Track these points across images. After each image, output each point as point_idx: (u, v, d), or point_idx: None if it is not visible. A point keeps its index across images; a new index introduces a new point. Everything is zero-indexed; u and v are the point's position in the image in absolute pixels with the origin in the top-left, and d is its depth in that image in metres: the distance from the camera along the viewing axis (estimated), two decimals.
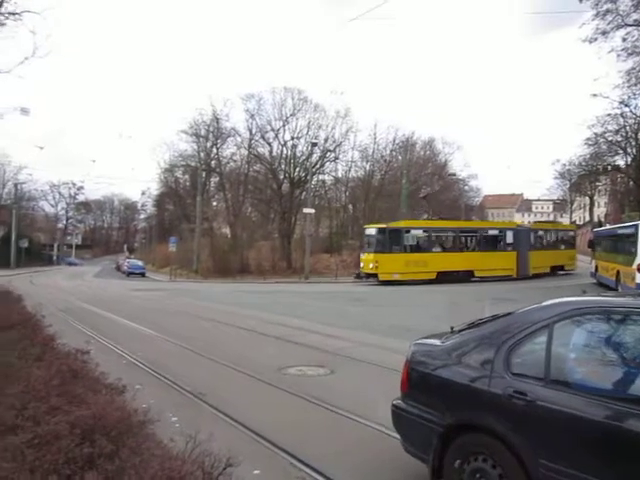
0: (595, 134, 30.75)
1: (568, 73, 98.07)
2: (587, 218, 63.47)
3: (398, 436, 3.75)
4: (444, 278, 26.09)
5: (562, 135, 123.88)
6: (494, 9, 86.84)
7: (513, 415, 2.90)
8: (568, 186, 62.93)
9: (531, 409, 2.82)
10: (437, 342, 3.65)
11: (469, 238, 29.42)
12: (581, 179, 49.66)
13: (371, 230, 27.80)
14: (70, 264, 69.43)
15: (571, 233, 35.28)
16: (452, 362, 3.37)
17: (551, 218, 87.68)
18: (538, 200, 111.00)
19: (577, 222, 65.21)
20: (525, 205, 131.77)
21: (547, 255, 30.39)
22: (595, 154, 33.52)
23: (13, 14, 11.86)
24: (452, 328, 3.79)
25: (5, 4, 11.81)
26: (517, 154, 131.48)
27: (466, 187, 65.02)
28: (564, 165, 57.14)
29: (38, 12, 12.27)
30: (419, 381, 3.56)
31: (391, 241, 26.57)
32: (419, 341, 3.81)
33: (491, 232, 30.16)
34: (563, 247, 32.57)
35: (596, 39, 21.58)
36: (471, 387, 3.16)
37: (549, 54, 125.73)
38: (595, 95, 25.93)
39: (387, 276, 26.09)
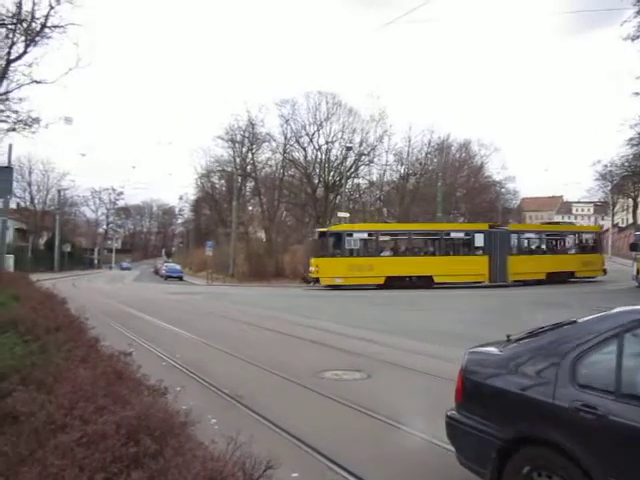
0: (638, 134, 29.79)
1: (608, 72, 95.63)
2: (630, 220, 61.42)
3: (438, 443, 3.72)
4: (395, 284, 25.10)
5: (602, 136, 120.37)
6: (530, 8, 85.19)
7: (581, 429, 2.75)
8: (610, 188, 61.06)
9: (602, 424, 2.67)
10: (494, 350, 3.52)
11: (428, 241, 28.24)
12: (624, 180, 48.25)
13: (315, 234, 28.08)
14: (123, 268, 71.65)
15: (589, 235, 31.22)
16: (511, 372, 3.22)
17: (592, 220, 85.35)
18: (578, 202, 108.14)
19: (620, 224, 63.14)
20: (565, 207, 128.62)
21: (539, 260, 27.81)
22: (639, 154, 32.49)
23: (58, 27, 12.29)
24: (509, 337, 3.63)
25: (50, 17, 12.25)
26: (555, 156, 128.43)
27: (503, 190, 63.87)
28: (605, 166, 55.51)
29: (81, 24, 12.71)
30: (475, 391, 3.41)
31: (332, 245, 26.34)
32: (474, 349, 3.68)
33: (455, 235, 28.30)
34: (573, 251, 29.74)
35: (638, 37, 21.09)
36: (532, 399, 3.01)
37: (588, 53, 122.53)
38: (637, 94, 25.13)
39: (329, 280, 25.85)
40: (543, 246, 29.54)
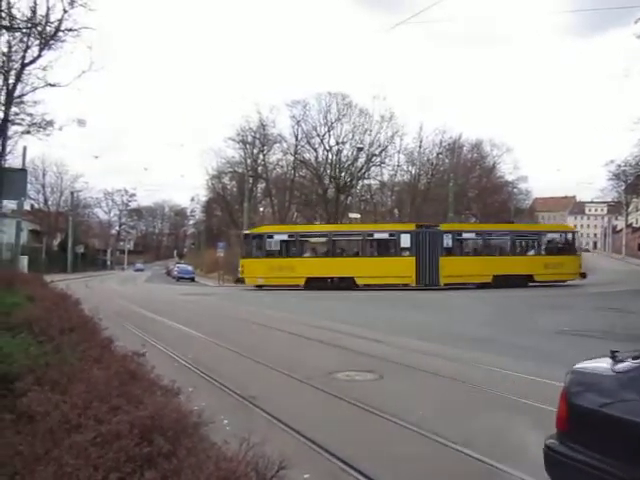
0: None
1: (621, 71, 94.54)
2: None
3: (452, 445, 3.69)
4: (316, 284, 25.53)
5: (615, 135, 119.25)
6: (541, 7, 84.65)
7: None
8: (624, 187, 60.39)
9: None
10: (605, 369, 2.89)
11: (351, 242, 28.10)
12: (638, 180, 47.65)
13: (242, 236, 28.90)
14: (136, 270, 71.53)
15: (556, 235, 29.13)
16: (636, 398, 2.56)
17: (605, 221, 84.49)
18: (591, 202, 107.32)
19: (634, 224, 62.44)
20: (578, 207, 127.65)
21: (482, 262, 26.33)
22: None
23: (71, 30, 12.41)
24: (614, 353, 3.02)
25: (64, 21, 12.37)
26: (568, 156, 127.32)
27: (515, 190, 63.47)
28: (619, 166, 54.87)
29: (94, 28, 12.81)
30: (585, 419, 2.81)
31: (254, 246, 27.28)
32: (579, 367, 3.12)
33: (379, 235, 28.07)
34: (532, 252, 27.67)
35: None
36: None
37: (600, 52, 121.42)
38: None
39: (252, 280, 26.89)
40: (489, 247, 28.09)
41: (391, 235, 27.47)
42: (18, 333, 5.09)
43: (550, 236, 28.91)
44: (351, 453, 4.10)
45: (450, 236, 26.94)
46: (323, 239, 27.92)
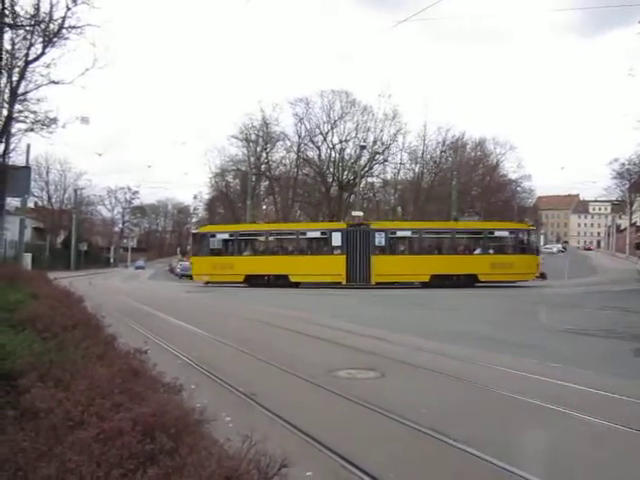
0: None
1: (625, 70, 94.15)
2: None
3: (454, 443, 3.67)
4: (255, 282, 26.72)
5: (619, 134, 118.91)
6: (544, 6, 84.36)
7: None
8: (628, 186, 60.24)
9: None
10: None
11: (285, 241, 28.78)
12: None
13: (192, 235, 30.36)
14: (137, 267, 70.90)
15: (507, 234, 27.50)
16: None
17: (609, 219, 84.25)
18: (595, 201, 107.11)
19: (637, 223, 62.28)
20: (581, 206, 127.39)
21: (418, 261, 26.01)
22: None
23: (75, 28, 12.41)
24: None
25: (67, 19, 12.38)
26: (572, 154, 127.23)
27: (519, 188, 63.35)
28: (623, 164, 54.97)
29: (98, 25, 12.81)
30: None
31: (201, 245, 28.87)
32: None
33: (311, 234, 28.45)
34: (478, 251, 26.76)
35: None
36: None
37: (605, 51, 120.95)
38: None
39: (199, 277, 28.71)
40: (426, 245, 27.55)
41: (323, 234, 27.89)
42: (22, 330, 5.12)
43: (498, 234, 27.48)
44: (353, 451, 4.10)
45: (383, 234, 26.82)
46: (261, 238, 28.93)
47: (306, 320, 12.97)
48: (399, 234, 27.70)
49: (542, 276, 26.81)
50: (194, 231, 31.02)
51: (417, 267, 25.82)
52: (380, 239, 26.56)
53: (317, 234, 28.27)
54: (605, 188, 64.06)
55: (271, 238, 28.76)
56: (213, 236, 29.13)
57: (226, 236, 29.23)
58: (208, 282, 28.12)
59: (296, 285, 26.91)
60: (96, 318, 7.36)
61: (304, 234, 28.34)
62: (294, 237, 28.26)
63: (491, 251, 26.69)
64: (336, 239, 26.84)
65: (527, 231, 27.87)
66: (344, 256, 26.31)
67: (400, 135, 45.38)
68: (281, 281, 26.62)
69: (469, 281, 25.67)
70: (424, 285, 25.77)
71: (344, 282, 26.33)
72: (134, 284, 34.64)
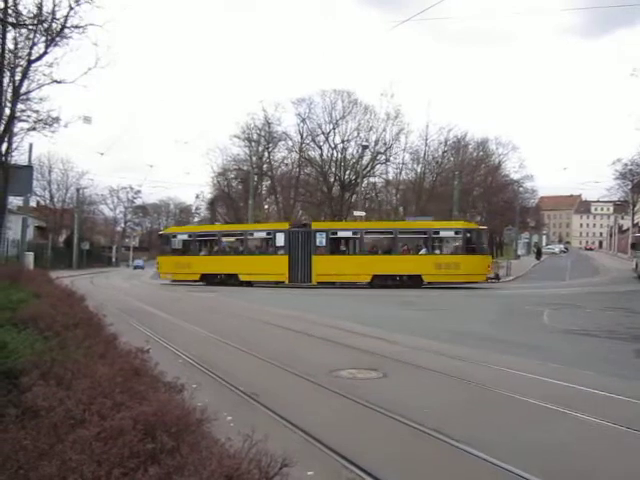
0: None
1: (628, 71, 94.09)
2: None
3: (455, 444, 3.68)
4: (210, 280, 28.12)
5: (622, 134, 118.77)
6: (548, 6, 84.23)
7: None
8: (630, 187, 60.11)
9: None
10: None
11: (236, 241, 29.71)
12: None
13: (158, 236, 32.26)
14: (136, 267, 70.55)
15: (452, 234, 26.61)
16: None
17: (611, 220, 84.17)
18: (597, 202, 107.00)
19: None
20: (583, 206, 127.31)
21: (360, 260, 26.09)
22: None
23: (77, 27, 12.42)
24: None
25: (70, 18, 12.38)
26: (574, 154, 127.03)
27: (521, 189, 63.29)
28: (625, 165, 54.83)
29: (100, 25, 12.81)
30: None
31: (165, 245, 31.02)
32: None
33: (258, 234, 29.41)
34: (423, 251, 26.22)
35: None
36: None
37: (608, 52, 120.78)
38: None
39: (164, 276, 30.36)
40: (368, 245, 27.45)
41: (268, 234, 28.67)
42: (24, 329, 5.13)
43: (444, 234, 26.79)
44: (355, 451, 4.10)
45: (323, 235, 27.05)
46: (214, 238, 30.12)
47: (305, 320, 12.97)
48: (340, 234, 27.86)
49: (495, 277, 26.06)
50: (160, 232, 33.17)
51: (358, 267, 25.92)
52: (321, 239, 26.94)
53: (263, 235, 29.15)
54: (607, 188, 63.99)
55: (223, 239, 29.92)
56: (175, 237, 31.16)
57: (185, 237, 30.95)
58: (174, 280, 29.67)
59: (249, 284, 27.71)
60: (98, 317, 7.38)
61: (252, 235, 29.41)
62: (243, 238, 29.29)
63: (437, 251, 26.38)
64: (279, 240, 27.56)
65: (475, 231, 26.93)
66: (287, 256, 27.01)
67: (402, 135, 45.42)
68: (232, 280, 27.69)
69: (413, 282, 25.47)
70: (371, 285, 25.81)
71: (287, 282, 26.97)
72: (136, 283, 34.65)
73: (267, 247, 28.46)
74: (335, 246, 27.42)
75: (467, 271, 25.10)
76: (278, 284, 27.24)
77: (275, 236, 27.87)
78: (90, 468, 2.34)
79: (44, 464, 2.39)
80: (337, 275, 26.45)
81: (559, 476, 3.75)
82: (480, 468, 3.81)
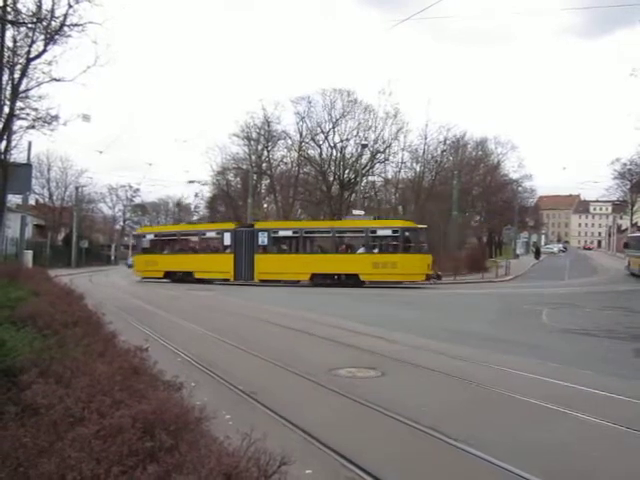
0: None
1: (627, 70, 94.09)
2: None
3: (453, 443, 3.67)
4: (173, 277, 29.87)
5: (621, 134, 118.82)
6: (547, 5, 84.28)
7: None
8: (629, 186, 60.17)
9: None
10: None
11: (191, 241, 31.48)
12: None
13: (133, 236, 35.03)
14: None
15: (390, 232, 26.34)
16: None
17: (610, 219, 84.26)
18: (596, 201, 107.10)
19: (639, 224, 62.21)
20: (582, 206, 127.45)
21: (298, 259, 26.59)
22: None
23: (77, 25, 12.39)
24: None
25: (69, 16, 12.36)
26: (573, 154, 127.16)
27: (520, 188, 63.31)
28: (624, 165, 54.93)
29: (100, 23, 12.77)
30: None
31: (137, 244, 34.61)
32: None
33: (209, 234, 30.63)
34: (362, 250, 26.31)
35: None
36: None
37: (607, 52, 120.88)
38: None
39: (139, 274, 32.27)
40: (307, 245, 28.00)
41: (218, 234, 29.72)
42: (22, 327, 5.13)
43: (381, 233, 26.59)
44: (353, 449, 4.11)
45: (265, 234, 27.81)
46: (174, 238, 31.93)
47: (304, 318, 12.97)
48: (281, 234, 28.40)
49: (437, 277, 26.02)
50: (134, 233, 36.74)
51: (298, 266, 26.31)
52: (263, 239, 27.67)
53: (214, 234, 30.16)
54: (606, 188, 64.05)
55: (182, 238, 31.66)
56: (144, 237, 33.85)
57: (152, 237, 33.33)
58: (144, 277, 31.36)
59: (207, 282, 28.46)
60: (96, 315, 7.38)
61: (204, 235, 30.82)
62: (197, 238, 30.92)
63: (375, 250, 26.27)
64: (227, 239, 28.59)
65: (413, 230, 26.48)
66: (232, 255, 28.06)
67: (401, 134, 45.30)
68: (190, 277, 29.01)
69: (352, 281, 25.57)
70: (314, 284, 26.14)
71: (232, 279, 28.00)
72: (134, 282, 34.63)
73: (217, 246, 29.49)
74: (277, 245, 28.16)
75: (405, 270, 25.05)
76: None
77: (223, 236, 28.92)
78: (89, 466, 2.34)
79: (43, 462, 2.39)
80: (278, 273, 26.92)
81: (559, 476, 3.75)
82: (479, 467, 3.82)
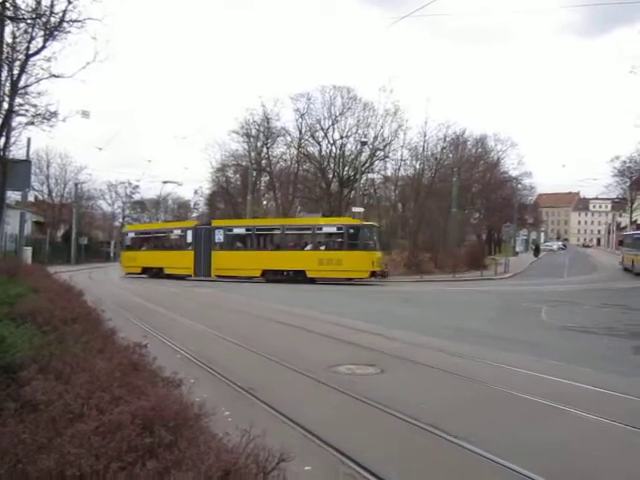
0: None
1: (627, 68, 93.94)
2: None
3: (453, 440, 3.67)
4: (149, 273, 31.39)
5: (620, 132, 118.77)
6: (546, 5, 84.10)
7: None
8: (628, 184, 60.14)
9: None
10: None
11: (162, 238, 32.97)
12: None
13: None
14: None
15: (338, 230, 26.79)
16: None
17: (609, 217, 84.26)
18: (596, 199, 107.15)
19: (638, 221, 62.22)
20: (582, 204, 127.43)
21: (251, 256, 27.60)
22: None
23: (76, 21, 12.32)
24: None
25: (69, 12, 12.29)
26: (573, 152, 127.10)
27: (519, 186, 63.27)
28: (624, 162, 54.88)
29: (99, 19, 12.69)
30: None
31: (123, 241, 36.75)
32: None
33: (176, 232, 32.40)
34: (309, 248, 26.93)
35: None
36: None
37: (607, 50, 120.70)
38: None
39: (123, 269, 33.84)
40: (260, 242, 28.76)
41: (182, 232, 31.40)
42: (22, 323, 5.12)
43: (327, 230, 27.27)
44: (352, 446, 4.11)
45: (221, 231, 29.19)
46: (149, 235, 34.04)
47: (303, 315, 12.98)
48: (235, 231, 29.68)
49: (382, 274, 26.13)
50: (122, 231, 38.23)
51: (250, 262, 27.30)
52: (219, 236, 28.97)
53: (179, 232, 31.76)
54: (606, 186, 63.97)
55: (155, 236, 33.46)
56: (127, 234, 36.51)
57: (133, 234, 35.85)
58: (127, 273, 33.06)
59: (180, 278, 29.49)
60: (96, 312, 7.37)
61: (172, 232, 32.63)
62: (165, 235, 32.75)
63: (322, 247, 26.74)
64: (189, 236, 30.24)
65: (358, 227, 26.65)
66: (192, 252, 29.56)
67: (401, 131, 45.21)
68: (161, 273, 30.57)
69: (300, 277, 26.19)
70: (267, 280, 26.91)
71: (193, 275, 29.37)
72: (133, 279, 34.63)
73: (181, 244, 30.91)
74: (231, 243, 29.14)
75: (349, 267, 25.49)
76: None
77: (186, 234, 30.59)
78: (88, 462, 2.34)
79: (42, 458, 2.39)
80: (233, 269, 27.81)
81: (559, 474, 3.76)
82: (479, 465, 3.83)
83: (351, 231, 26.30)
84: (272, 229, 29.04)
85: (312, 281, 26.02)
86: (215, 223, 31.19)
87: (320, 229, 27.08)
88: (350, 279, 26.01)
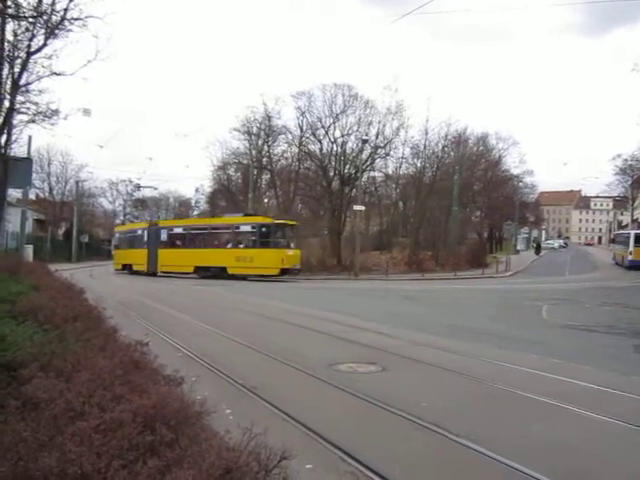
0: None
1: (629, 66, 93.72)
2: None
3: (454, 438, 3.67)
4: (129, 269, 34.28)
5: (622, 130, 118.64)
6: (545, 4, 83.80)
7: None
8: (630, 182, 60.02)
9: None
10: None
11: (130, 238, 36.31)
12: None
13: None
14: None
15: (251, 228, 28.14)
16: None
17: (611, 215, 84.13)
18: (597, 197, 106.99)
19: (639, 220, 62.09)
20: (583, 202, 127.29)
21: (186, 254, 29.88)
22: None
23: (77, 19, 12.31)
24: None
25: (70, 10, 12.27)
26: (574, 150, 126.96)
27: (521, 184, 63.17)
28: (625, 160, 54.78)
29: (100, 17, 12.67)
30: None
31: (114, 240, 40.35)
32: None
33: (138, 232, 35.29)
34: (229, 246, 28.54)
35: None
36: None
37: (608, 49, 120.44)
38: None
39: (115, 266, 37.08)
40: (194, 240, 30.92)
41: (141, 231, 34.67)
42: (23, 321, 5.12)
43: (243, 228, 28.69)
44: (354, 444, 4.11)
45: (165, 231, 32.33)
46: (124, 235, 38.32)
47: (304, 314, 12.97)
48: (175, 231, 32.36)
49: (295, 272, 26.72)
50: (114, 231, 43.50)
51: (186, 259, 29.58)
52: (164, 235, 31.89)
53: (140, 232, 34.89)
54: (607, 184, 63.80)
55: (127, 235, 37.47)
56: (115, 235, 41.51)
57: (118, 235, 40.43)
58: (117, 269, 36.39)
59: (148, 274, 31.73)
60: (97, 310, 7.38)
61: (136, 232, 35.83)
62: (132, 235, 36.16)
63: (241, 245, 28.26)
64: (145, 236, 33.39)
65: (270, 225, 27.73)
66: (146, 250, 32.42)
67: (402, 129, 45.05)
68: (132, 269, 33.69)
69: (224, 273, 27.79)
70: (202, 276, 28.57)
71: (146, 271, 31.87)
72: (134, 276, 34.67)
73: (141, 242, 33.70)
74: (172, 241, 31.73)
75: (260, 264, 26.69)
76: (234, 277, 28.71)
77: (143, 233, 33.78)
78: (89, 460, 2.34)
79: (44, 455, 2.39)
80: (173, 266, 30.33)
81: (561, 472, 3.75)
82: (481, 463, 3.82)
83: (263, 229, 27.52)
84: (202, 228, 31.12)
85: (232, 277, 27.47)
86: (161, 223, 35.53)
87: (238, 228, 28.74)
88: (262, 275, 27.03)
